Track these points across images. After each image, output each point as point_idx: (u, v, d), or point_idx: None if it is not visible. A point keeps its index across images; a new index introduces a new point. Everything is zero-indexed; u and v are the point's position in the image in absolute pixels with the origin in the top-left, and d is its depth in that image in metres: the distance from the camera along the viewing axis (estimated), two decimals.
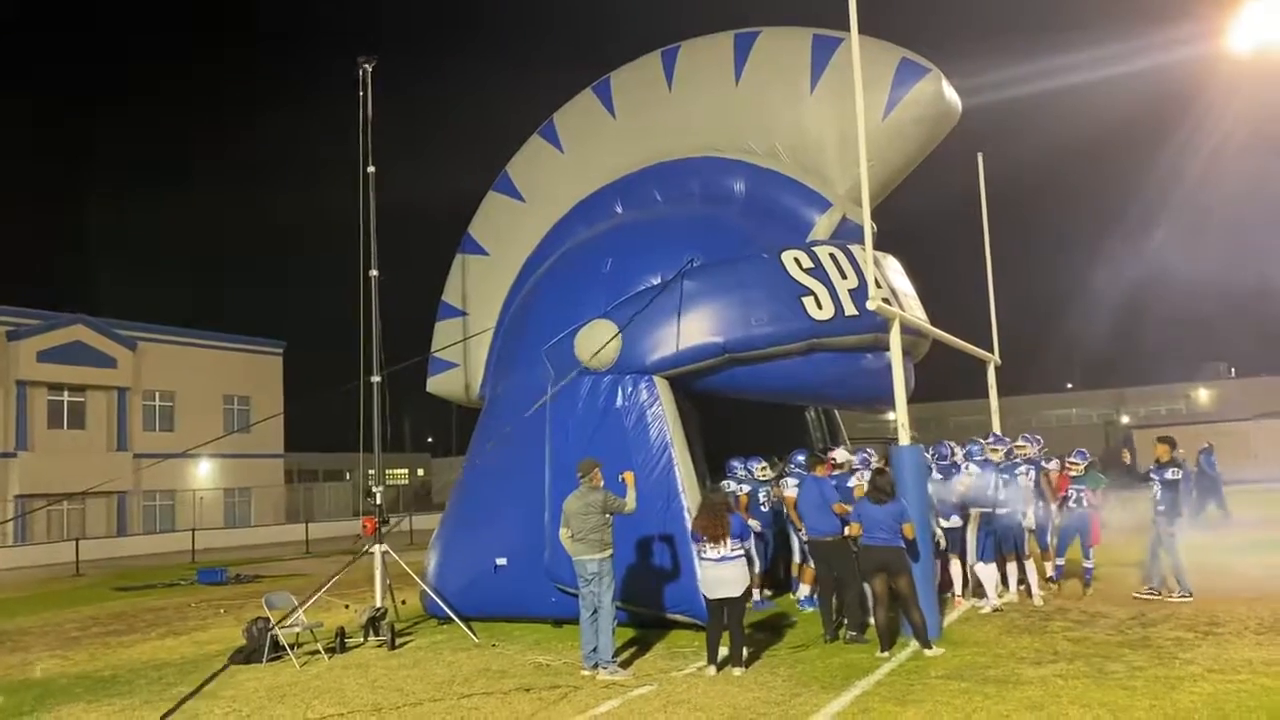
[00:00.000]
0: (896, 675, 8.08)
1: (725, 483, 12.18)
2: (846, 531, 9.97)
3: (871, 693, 7.56)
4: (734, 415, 13.89)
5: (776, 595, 12.47)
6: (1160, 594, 10.87)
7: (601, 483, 9.07)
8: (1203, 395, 63.18)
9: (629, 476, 9.19)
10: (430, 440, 77.40)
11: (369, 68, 12.36)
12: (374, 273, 12.07)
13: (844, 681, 7.96)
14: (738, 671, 8.45)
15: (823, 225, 12.34)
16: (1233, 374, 64.58)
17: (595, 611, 8.78)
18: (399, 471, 69.90)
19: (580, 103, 14.15)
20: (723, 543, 8.52)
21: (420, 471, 70.81)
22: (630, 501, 9.04)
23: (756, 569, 11.84)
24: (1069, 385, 69.45)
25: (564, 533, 8.98)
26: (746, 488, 12.07)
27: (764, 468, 12.26)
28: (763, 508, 12.11)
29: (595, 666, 8.72)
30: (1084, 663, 8.13)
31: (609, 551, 8.88)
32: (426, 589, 11.81)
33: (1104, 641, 8.95)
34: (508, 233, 14.16)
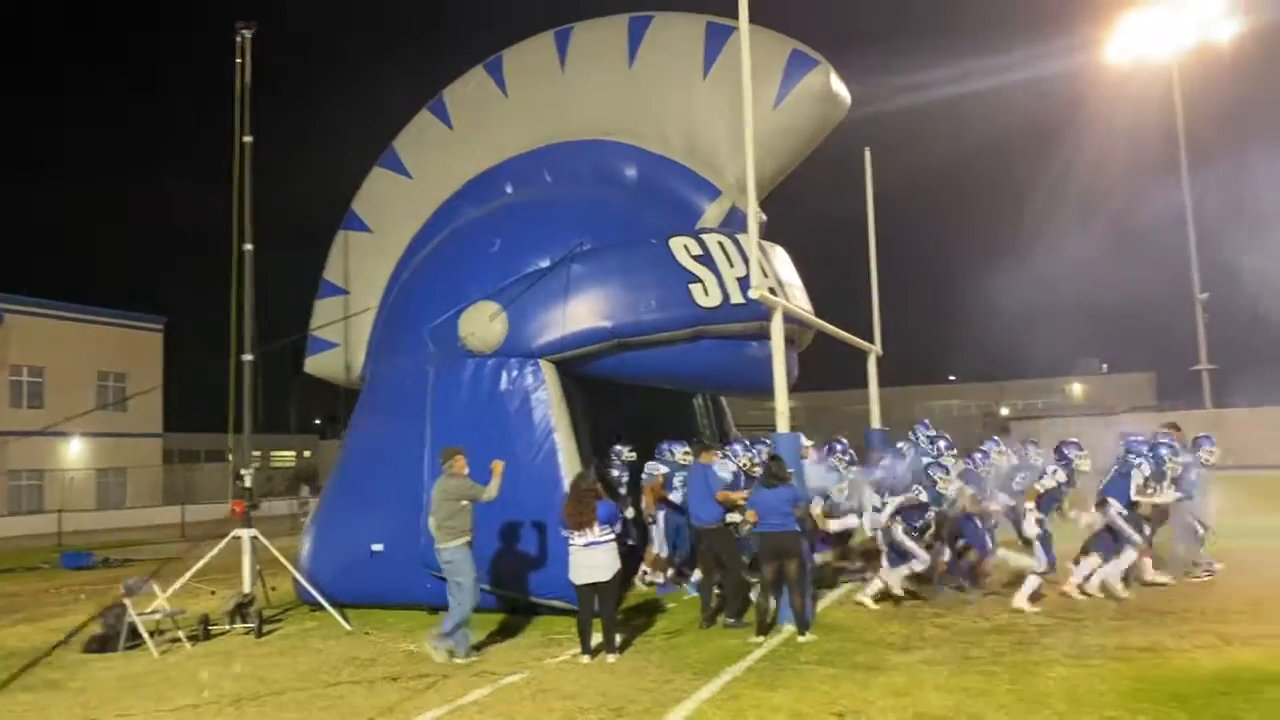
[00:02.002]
0: (768, 661, 8.14)
1: (654, 464, 12.13)
2: (737, 517, 10.10)
3: (742, 678, 7.59)
4: (622, 401, 13.86)
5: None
6: (1214, 573, 10.98)
7: (465, 470, 9.00)
8: (1077, 389, 65.94)
9: (497, 465, 9.11)
10: (318, 422, 75.51)
11: (248, 34, 11.88)
12: (248, 246, 11.61)
13: (716, 667, 7.97)
14: (611, 658, 8.40)
15: (712, 213, 12.37)
16: (1105, 369, 67.55)
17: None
18: (285, 453, 68.08)
19: (471, 80, 13.86)
20: (589, 529, 8.46)
21: (307, 453, 69.03)
22: (491, 490, 8.97)
23: (662, 553, 11.87)
24: (952, 377, 71.68)
25: (430, 520, 8.93)
26: (664, 469, 12.03)
27: (686, 452, 12.22)
28: (675, 492, 12.10)
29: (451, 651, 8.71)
30: (949, 648, 8.31)
31: (464, 539, 8.82)
32: (296, 575, 11.46)
33: (970, 628, 9.17)
34: (393, 210, 13.79)
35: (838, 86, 12.27)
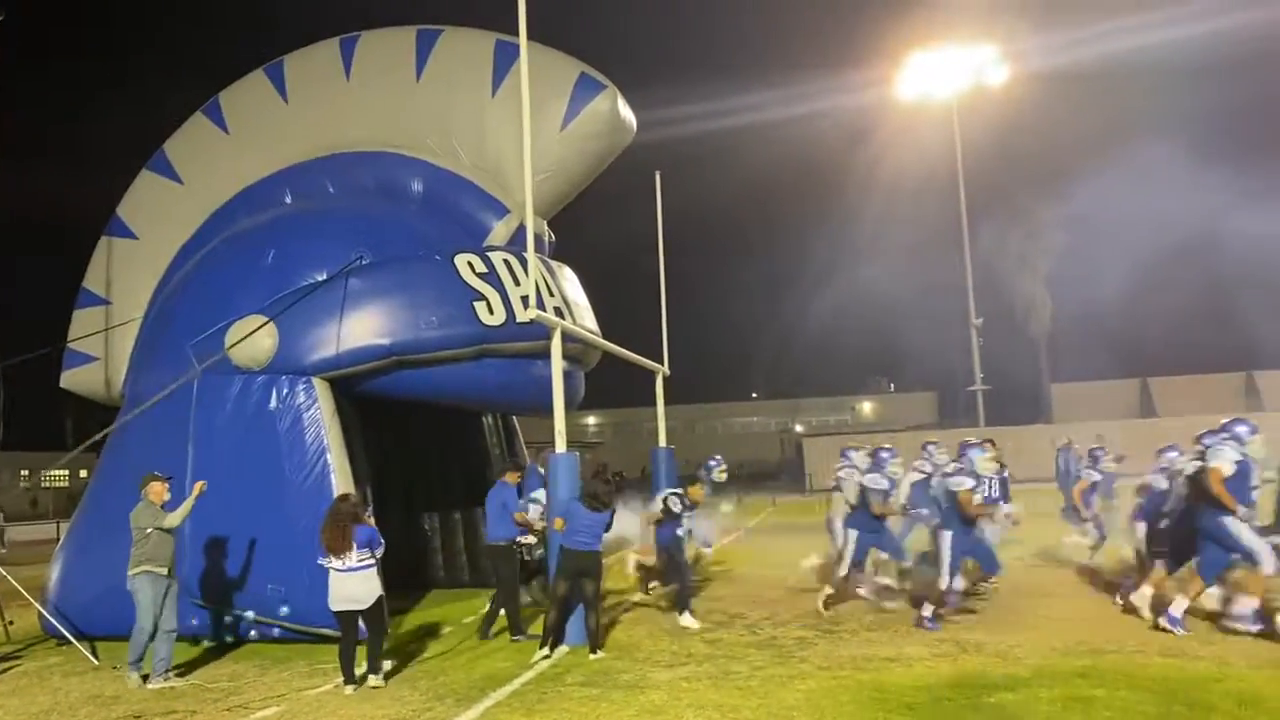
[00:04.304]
0: (533, 683, 8.10)
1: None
2: (531, 540, 10.47)
3: (504, 703, 7.52)
4: (408, 420, 13.60)
5: None
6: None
7: (162, 498, 8.88)
8: (866, 407, 69.51)
9: (198, 486, 8.95)
10: (98, 438, 70.55)
11: None
12: None
13: (481, 692, 7.87)
14: (373, 679, 8.19)
15: (500, 231, 12.29)
16: (892, 388, 71.52)
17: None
18: (60, 473, 63.20)
19: (250, 83, 13.27)
20: (347, 554, 8.22)
21: (83, 473, 64.34)
22: (172, 518, 8.80)
23: None
24: (754, 395, 74.16)
25: None
26: None
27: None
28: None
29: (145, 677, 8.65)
30: (712, 664, 8.51)
31: (145, 567, 8.70)
32: (38, 606, 10.60)
33: (735, 643, 9.43)
34: (162, 216, 13.01)
35: (625, 111, 12.45)
